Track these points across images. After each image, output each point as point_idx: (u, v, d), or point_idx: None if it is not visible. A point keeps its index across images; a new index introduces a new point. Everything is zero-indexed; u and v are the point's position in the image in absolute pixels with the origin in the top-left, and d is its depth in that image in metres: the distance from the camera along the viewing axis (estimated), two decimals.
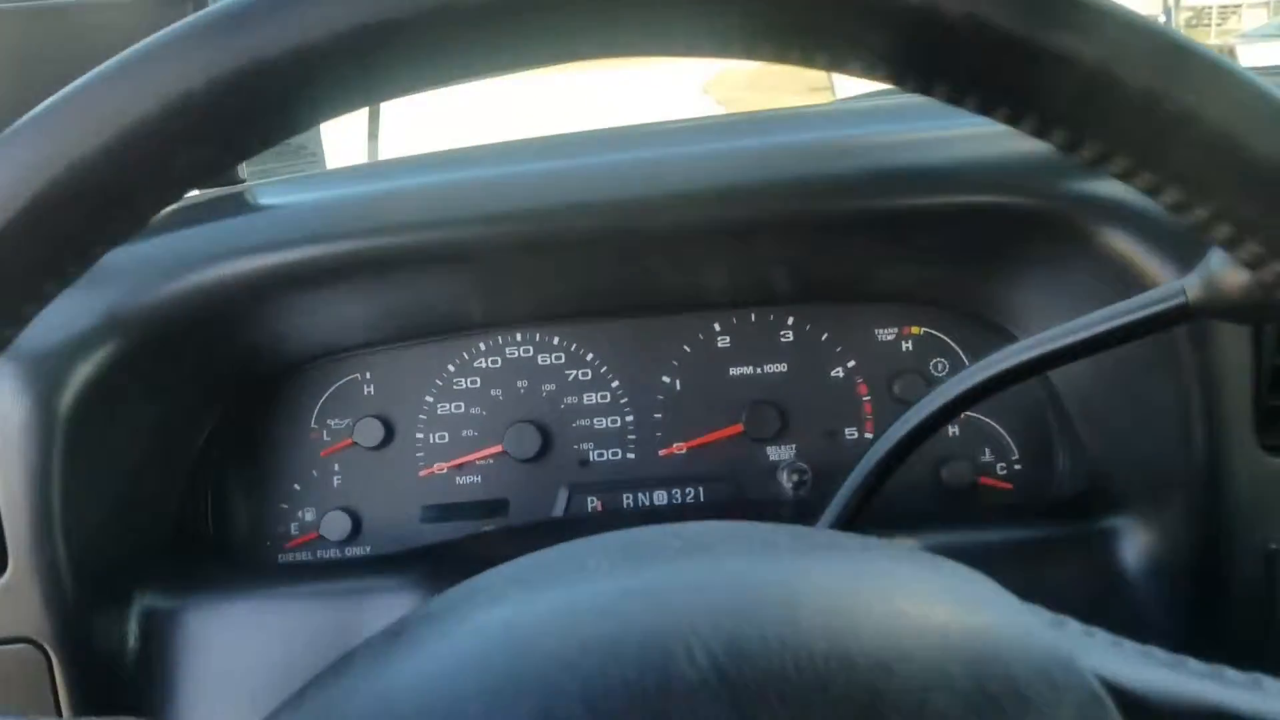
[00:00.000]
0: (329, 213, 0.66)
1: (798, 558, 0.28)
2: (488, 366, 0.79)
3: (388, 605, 0.66)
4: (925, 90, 0.28)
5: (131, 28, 0.69)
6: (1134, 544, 0.65)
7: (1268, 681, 0.26)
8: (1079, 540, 0.67)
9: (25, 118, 0.27)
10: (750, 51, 0.28)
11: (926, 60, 0.27)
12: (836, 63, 0.28)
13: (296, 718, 0.28)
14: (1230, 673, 0.26)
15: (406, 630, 0.29)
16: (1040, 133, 0.28)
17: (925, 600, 0.26)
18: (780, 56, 0.29)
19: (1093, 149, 0.28)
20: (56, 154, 0.26)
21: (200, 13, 0.27)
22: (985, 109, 0.28)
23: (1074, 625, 0.27)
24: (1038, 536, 0.68)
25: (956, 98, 0.28)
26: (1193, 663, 0.26)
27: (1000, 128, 0.66)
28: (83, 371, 0.61)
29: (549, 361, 0.79)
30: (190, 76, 0.26)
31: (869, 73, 0.28)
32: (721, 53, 0.29)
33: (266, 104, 0.27)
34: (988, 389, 0.50)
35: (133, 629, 0.64)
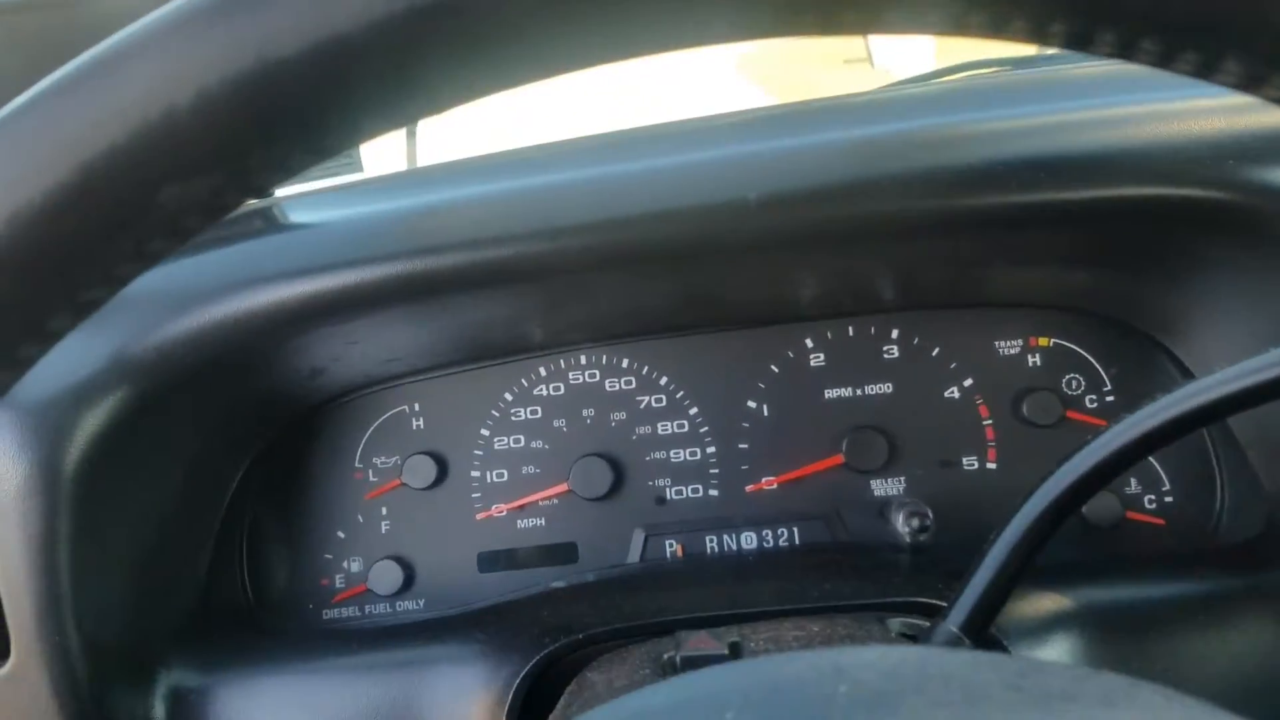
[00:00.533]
0: (370, 231, 0.57)
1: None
2: (549, 394, 0.70)
3: (448, 677, 0.57)
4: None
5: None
6: None
7: None
8: (1258, 595, 0.56)
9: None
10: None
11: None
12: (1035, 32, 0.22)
13: None
14: None
15: None
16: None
17: None
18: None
19: None
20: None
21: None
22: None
23: None
24: (1205, 591, 0.56)
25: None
26: None
27: (1142, 107, 0.55)
28: (90, 423, 0.52)
29: (618, 386, 0.69)
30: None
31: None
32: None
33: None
34: (1186, 426, 0.40)
35: (158, 713, 0.56)
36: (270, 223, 0.61)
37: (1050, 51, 0.95)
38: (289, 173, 0.23)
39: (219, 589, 0.65)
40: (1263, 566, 0.57)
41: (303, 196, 0.65)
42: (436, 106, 0.23)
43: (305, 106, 0.21)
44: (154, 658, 0.57)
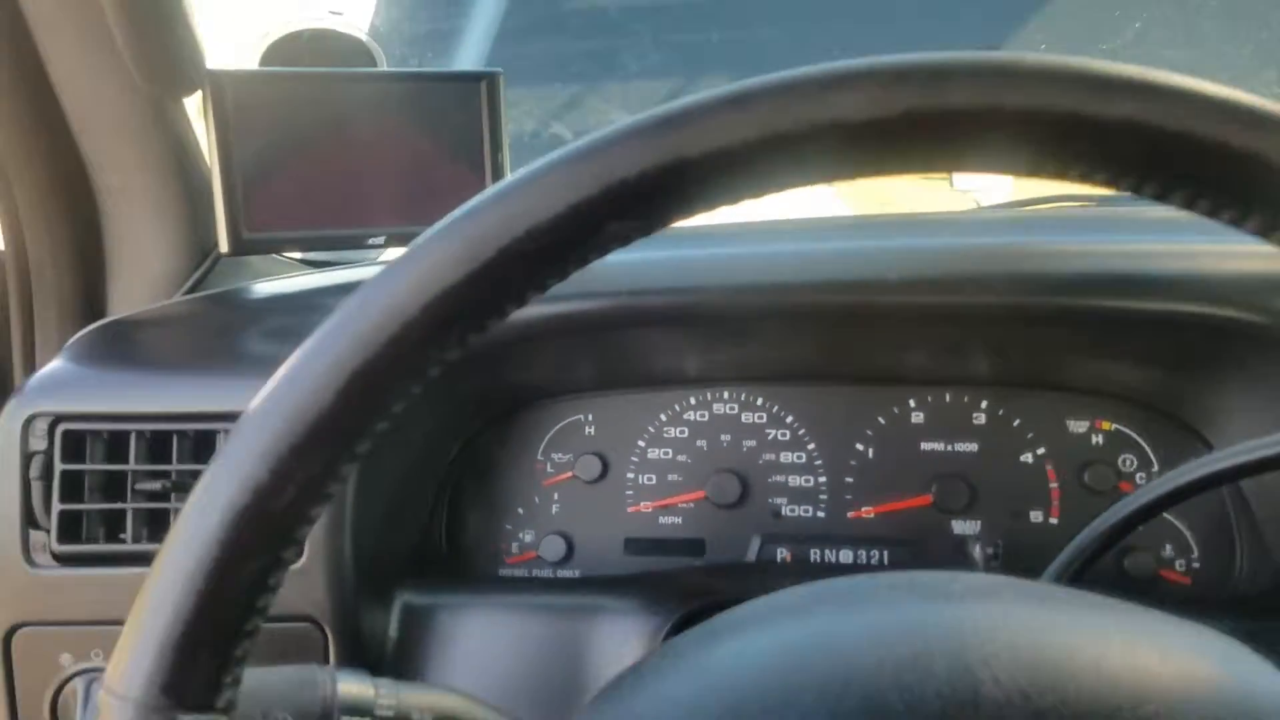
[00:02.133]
0: (589, 273, 0.76)
1: (1078, 607, 0.33)
2: (696, 419, 0.87)
3: (609, 622, 0.74)
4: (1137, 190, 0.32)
5: (375, 103, 0.79)
6: None
7: None
8: (1264, 636, 0.70)
9: (500, 185, 0.32)
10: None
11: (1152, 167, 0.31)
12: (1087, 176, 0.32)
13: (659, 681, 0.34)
14: None
15: (731, 626, 0.36)
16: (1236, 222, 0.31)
17: (1200, 651, 0.31)
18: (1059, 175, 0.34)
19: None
20: (520, 219, 0.31)
21: (640, 117, 0.35)
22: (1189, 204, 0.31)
23: None
24: (1222, 629, 0.71)
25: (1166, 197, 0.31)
26: None
27: (1204, 245, 0.71)
28: None
29: (752, 419, 0.86)
30: (626, 167, 0.31)
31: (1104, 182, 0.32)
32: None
33: (683, 191, 0.33)
34: (1210, 484, 0.56)
35: (394, 620, 0.73)
36: None
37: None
38: (670, 223, 0.34)
39: (429, 539, 0.82)
40: (1266, 612, 0.71)
41: None
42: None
43: (699, 186, 0.32)
44: (394, 579, 0.75)
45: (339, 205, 0.79)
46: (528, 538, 0.86)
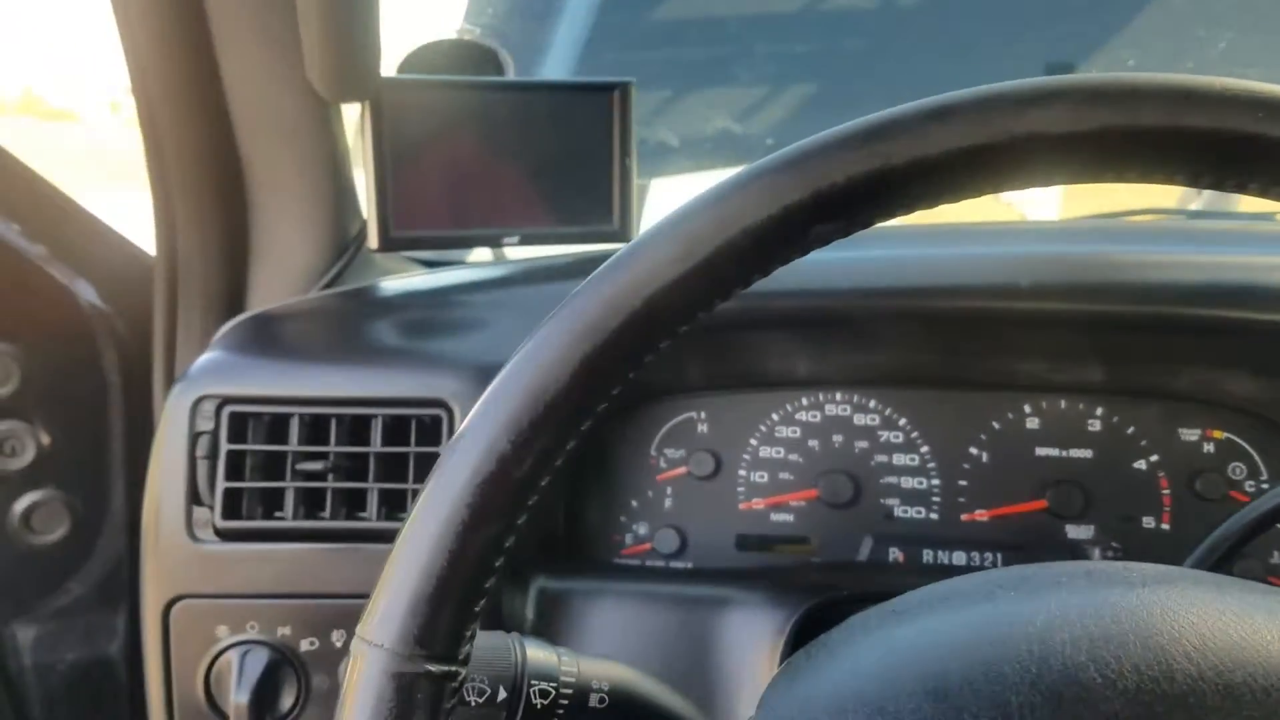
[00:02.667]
0: None
1: (1251, 592, 0.35)
2: (808, 419, 0.89)
3: (727, 614, 0.76)
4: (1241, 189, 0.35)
5: (514, 109, 0.83)
6: None
7: None
8: None
9: (716, 188, 0.35)
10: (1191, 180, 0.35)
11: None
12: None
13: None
14: None
15: (914, 607, 0.38)
16: None
17: None
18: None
19: None
20: (734, 220, 0.34)
21: (847, 126, 0.37)
22: None
23: None
24: None
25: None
26: None
27: None
28: None
29: (864, 421, 0.88)
30: (834, 174, 0.34)
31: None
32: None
33: (886, 197, 0.35)
34: None
35: (531, 604, 0.76)
36: None
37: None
38: (871, 224, 0.36)
39: (551, 530, 0.85)
40: None
41: None
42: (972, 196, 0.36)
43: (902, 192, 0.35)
44: (528, 567, 0.78)
45: (477, 206, 0.82)
46: (642, 530, 0.89)
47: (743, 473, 0.89)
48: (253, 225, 0.87)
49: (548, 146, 0.83)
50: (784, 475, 0.89)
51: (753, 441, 0.89)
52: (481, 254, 1.11)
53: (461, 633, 0.35)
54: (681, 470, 0.89)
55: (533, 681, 0.50)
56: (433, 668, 0.34)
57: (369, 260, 0.95)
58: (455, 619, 0.34)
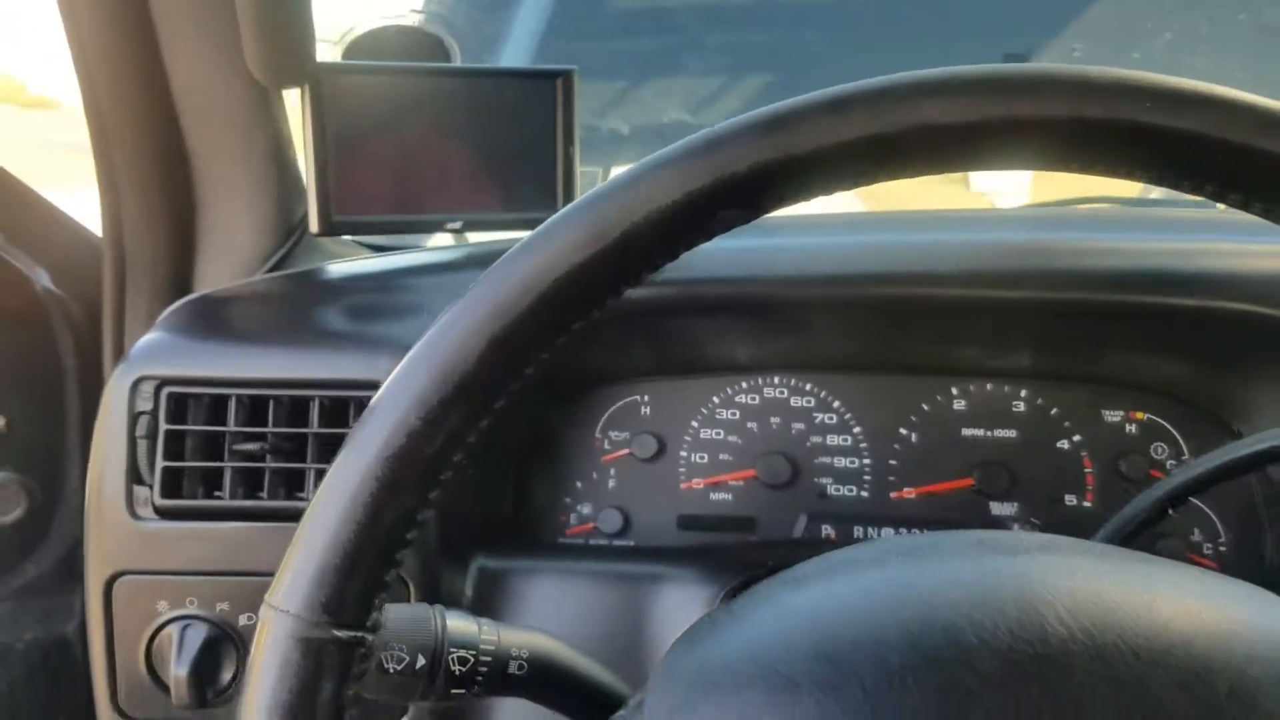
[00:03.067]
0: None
1: (1130, 560, 0.37)
2: (748, 402, 0.91)
3: (663, 590, 0.78)
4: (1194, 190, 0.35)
5: (457, 96, 0.84)
6: None
7: None
8: None
9: (623, 175, 0.36)
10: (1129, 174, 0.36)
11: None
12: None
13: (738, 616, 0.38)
14: None
15: (812, 574, 0.40)
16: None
17: (1237, 599, 0.35)
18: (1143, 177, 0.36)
19: None
20: (641, 205, 0.35)
21: (749, 116, 0.38)
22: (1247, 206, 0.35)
23: None
24: None
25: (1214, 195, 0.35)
26: None
27: (1238, 245, 0.75)
28: None
29: (801, 404, 0.91)
30: (738, 161, 0.35)
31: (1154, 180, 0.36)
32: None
33: (789, 183, 0.36)
34: (1245, 467, 0.60)
35: (470, 582, 0.78)
36: None
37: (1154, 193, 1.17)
38: (771, 210, 0.37)
39: (496, 508, 0.87)
40: None
41: None
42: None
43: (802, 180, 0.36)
44: (467, 546, 0.79)
45: (419, 191, 0.84)
46: (586, 510, 0.91)
47: (684, 454, 0.91)
48: (198, 209, 0.88)
49: (491, 133, 0.84)
50: (724, 456, 0.91)
51: (694, 424, 0.91)
52: (436, 239, 1.12)
53: (370, 601, 0.36)
54: (625, 452, 0.91)
55: (452, 650, 0.51)
56: (340, 634, 0.35)
57: (316, 245, 0.96)
58: (363, 588, 0.35)
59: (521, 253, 0.36)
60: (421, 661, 0.51)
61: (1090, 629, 0.31)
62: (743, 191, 0.35)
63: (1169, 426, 0.85)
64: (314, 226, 0.80)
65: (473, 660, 0.52)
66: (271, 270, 0.91)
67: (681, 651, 0.38)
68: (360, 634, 0.36)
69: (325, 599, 0.34)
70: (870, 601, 0.35)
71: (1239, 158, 0.33)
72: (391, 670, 0.51)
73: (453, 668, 0.51)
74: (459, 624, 0.53)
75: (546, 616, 0.78)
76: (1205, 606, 0.33)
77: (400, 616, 0.52)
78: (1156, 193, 1.30)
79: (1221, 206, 1.04)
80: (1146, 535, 0.83)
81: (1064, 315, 0.77)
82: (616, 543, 0.90)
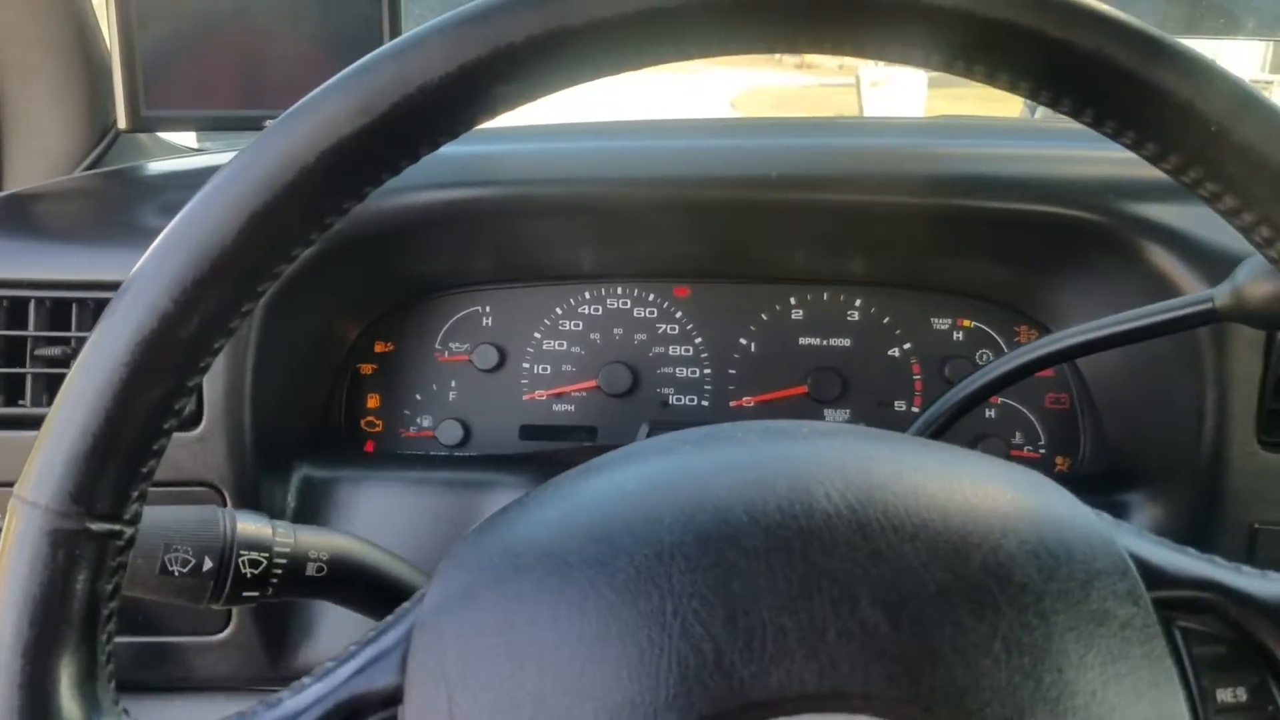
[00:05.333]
0: (488, 162, 0.79)
1: (905, 444, 0.38)
2: (590, 312, 0.91)
3: (494, 496, 0.78)
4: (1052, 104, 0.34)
5: None
6: (1141, 515, 0.76)
7: (1245, 568, 0.36)
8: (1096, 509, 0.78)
9: (395, 43, 0.34)
10: (948, 65, 0.34)
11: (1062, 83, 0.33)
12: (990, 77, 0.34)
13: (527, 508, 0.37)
14: (1219, 559, 0.36)
15: (603, 465, 0.40)
16: (1137, 146, 0.34)
17: (1003, 479, 0.36)
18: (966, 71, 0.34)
19: (1174, 161, 0.34)
20: (414, 76, 0.32)
21: None
22: (1095, 124, 0.34)
23: (1109, 516, 0.37)
24: None
25: (1074, 113, 0.34)
26: (1191, 550, 0.37)
27: (1061, 150, 0.78)
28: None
29: (643, 314, 0.91)
30: (514, 33, 0.33)
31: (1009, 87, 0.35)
32: (911, 61, 0.34)
33: (566, 60, 0.34)
34: (1037, 366, 0.62)
35: (292, 491, 0.76)
36: None
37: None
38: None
39: (329, 419, 0.85)
40: (1101, 491, 0.79)
41: None
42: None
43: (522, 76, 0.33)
44: (292, 452, 0.77)
45: (238, 87, 0.80)
46: (425, 422, 0.90)
47: (526, 365, 0.90)
48: (4, 106, 0.82)
49: (314, 25, 0.81)
50: (566, 367, 0.90)
51: (536, 335, 0.90)
52: None
53: (127, 492, 0.34)
54: (464, 358, 0.90)
55: (242, 552, 0.50)
56: (94, 526, 0.33)
57: (138, 145, 0.91)
58: (118, 478, 0.33)
59: (285, 123, 0.33)
60: (209, 564, 0.50)
61: (855, 505, 0.32)
62: (519, 66, 0.33)
63: (993, 333, 0.88)
64: (121, 122, 0.76)
65: (265, 563, 0.51)
66: (89, 169, 0.86)
67: (470, 539, 0.38)
68: (116, 526, 0.34)
69: (75, 489, 0.32)
70: (650, 486, 0.35)
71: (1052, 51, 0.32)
72: (176, 572, 0.49)
73: (243, 570, 0.50)
74: (251, 526, 0.51)
75: (374, 525, 0.77)
76: (972, 485, 0.34)
77: (185, 517, 0.51)
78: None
79: (1044, 112, 1.08)
80: (966, 438, 0.87)
81: (884, 219, 0.78)
82: (457, 454, 0.89)
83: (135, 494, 0.35)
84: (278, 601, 0.54)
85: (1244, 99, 0.32)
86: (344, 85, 0.34)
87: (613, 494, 0.36)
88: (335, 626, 0.75)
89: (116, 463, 0.33)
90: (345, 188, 0.34)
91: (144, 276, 0.34)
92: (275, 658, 0.74)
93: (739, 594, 0.30)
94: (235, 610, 0.73)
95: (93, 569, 0.33)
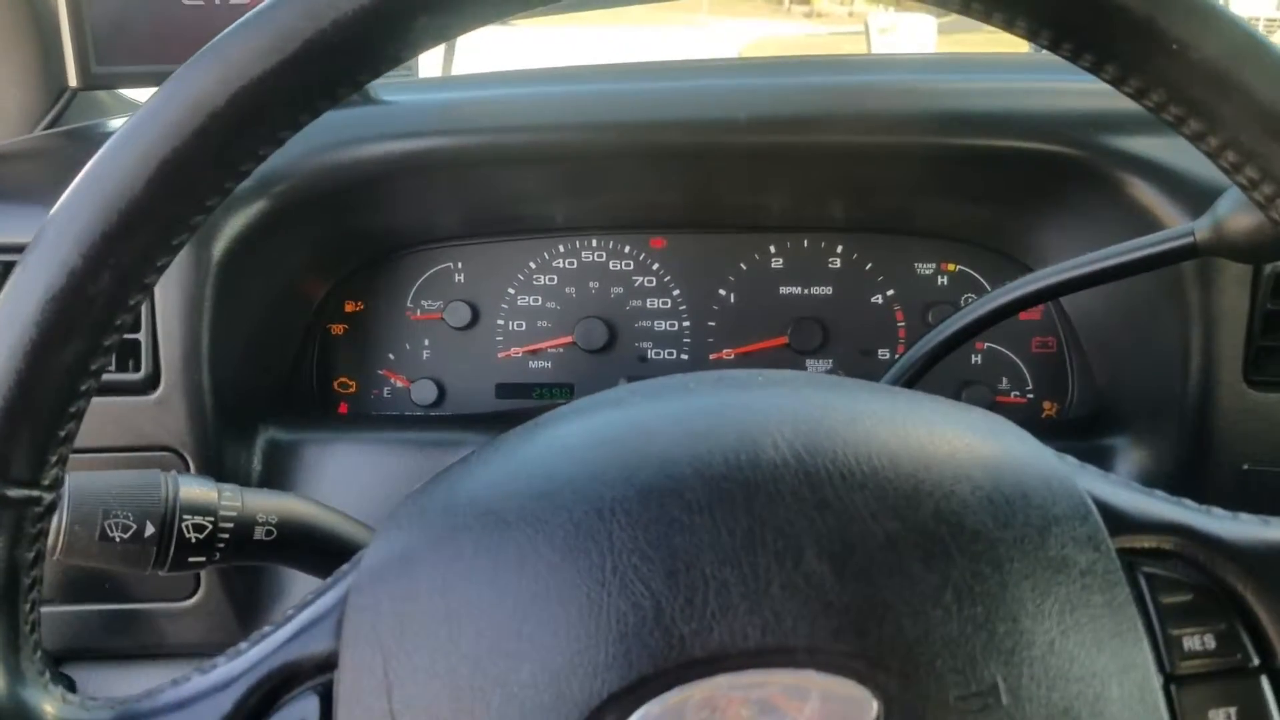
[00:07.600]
0: (449, 110, 0.76)
1: (861, 390, 0.36)
2: (565, 266, 0.88)
3: (457, 454, 0.76)
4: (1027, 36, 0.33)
5: None
6: (1129, 459, 0.74)
7: (1216, 510, 0.35)
8: (1082, 454, 0.76)
9: None
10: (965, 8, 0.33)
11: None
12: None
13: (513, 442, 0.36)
14: (1188, 502, 0.35)
15: (553, 419, 0.38)
16: (1097, 68, 0.32)
17: (961, 424, 0.34)
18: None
19: (1135, 83, 0.32)
20: (326, 11, 0.31)
21: None
22: (1053, 46, 0.33)
23: (1072, 459, 0.35)
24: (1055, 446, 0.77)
25: (1030, 34, 0.33)
26: (1160, 493, 0.35)
27: (1045, 84, 0.75)
28: (235, 224, 0.71)
29: (619, 267, 0.88)
30: None
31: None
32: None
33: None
34: (1016, 307, 0.60)
35: (258, 454, 0.75)
36: (370, 99, 0.79)
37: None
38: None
39: (297, 380, 0.84)
40: (1088, 434, 0.77)
41: (395, 84, 0.84)
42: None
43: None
44: (257, 414, 0.76)
45: (190, 41, 0.77)
46: (398, 382, 0.88)
47: (500, 322, 0.89)
48: None
49: None
50: (542, 323, 0.88)
51: (510, 290, 0.88)
52: None
53: (44, 457, 0.33)
54: (438, 320, 0.88)
55: (185, 516, 0.49)
56: (10, 492, 0.32)
57: (98, 104, 0.89)
58: (34, 442, 0.32)
59: (193, 66, 0.32)
60: (151, 529, 0.49)
61: (803, 454, 0.31)
62: None
63: (978, 276, 0.86)
64: (72, 79, 0.74)
65: (211, 527, 0.50)
66: (48, 129, 0.84)
67: (412, 496, 0.37)
68: (34, 492, 0.33)
69: None
70: (595, 440, 0.34)
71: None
72: (117, 539, 0.48)
73: (187, 535, 0.49)
74: (195, 490, 0.50)
75: (343, 488, 0.76)
76: (928, 432, 0.33)
77: (125, 482, 0.50)
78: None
79: (1029, 47, 1.04)
80: (952, 384, 0.85)
81: (862, 161, 0.76)
82: (432, 414, 0.88)
83: (54, 459, 0.33)
84: (227, 566, 0.53)
85: (1205, 13, 0.31)
86: (252, 24, 0.32)
87: (557, 450, 0.34)
88: (306, 590, 0.74)
89: (31, 426, 0.32)
90: (259, 132, 0.33)
91: (51, 231, 0.32)
92: (246, 622, 0.73)
93: (680, 549, 0.29)
94: (204, 575, 0.72)
95: (10, 536, 0.32)
